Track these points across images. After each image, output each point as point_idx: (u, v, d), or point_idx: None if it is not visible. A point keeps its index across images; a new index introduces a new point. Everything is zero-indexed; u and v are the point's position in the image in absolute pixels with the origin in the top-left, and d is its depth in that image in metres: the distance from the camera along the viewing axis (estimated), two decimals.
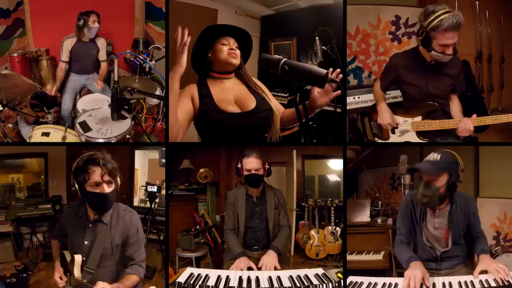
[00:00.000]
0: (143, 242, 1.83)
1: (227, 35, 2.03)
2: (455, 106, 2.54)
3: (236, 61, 2.00)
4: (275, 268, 1.97)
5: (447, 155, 1.88)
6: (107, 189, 1.68)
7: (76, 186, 1.70)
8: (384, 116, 2.60)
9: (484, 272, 1.72)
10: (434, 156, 1.87)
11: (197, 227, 3.33)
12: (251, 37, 2.12)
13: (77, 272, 1.67)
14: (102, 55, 3.84)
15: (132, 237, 1.77)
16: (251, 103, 1.99)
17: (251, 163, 2.25)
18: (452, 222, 1.88)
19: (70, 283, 1.70)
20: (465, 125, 2.35)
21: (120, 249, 1.76)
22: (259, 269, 1.99)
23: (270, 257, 2.05)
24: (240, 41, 2.06)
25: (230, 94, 2.01)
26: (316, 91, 1.84)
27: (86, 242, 1.73)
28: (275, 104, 2.11)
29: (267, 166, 2.30)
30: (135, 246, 1.78)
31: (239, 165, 2.31)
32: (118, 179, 1.75)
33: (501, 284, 1.63)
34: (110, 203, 1.73)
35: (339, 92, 1.78)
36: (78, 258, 1.68)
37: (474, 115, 2.36)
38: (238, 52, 2.01)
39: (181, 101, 1.91)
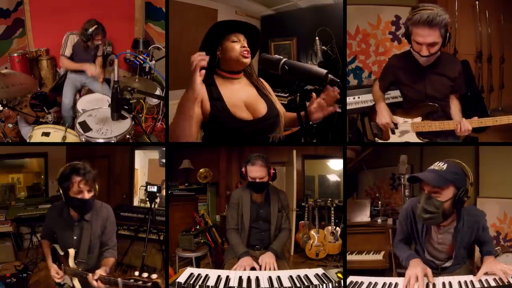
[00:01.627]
0: (115, 230, 2.16)
1: (236, 31, 1.91)
2: (454, 106, 2.51)
3: (249, 60, 1.91)
4: (274, 269, 1.99)
5: (455, 165, 1.69)
6: (87, 195, 1.95)
7: (61, 191, 1.97)
8: (383, 115, 2.59)
9: (490, 274, 1.67)
10: (440, 165, 1.66)
11: (197, 227, 3.33)
12: (260, 33, 2.03)
13: (71, 263, 1.95)
14: (99, 52, 3.85)
15: (108, 227, 2.08)
16: (262, 109, 1.93)
17: (256, 172, 2.21)
18: (457, 239, 1.75)
19: (65, 273, 1.97)
20: (464, 126, 2.32)
21: (100, 238, 2.07)
22: (260, 267, 2.02)
23: (268, 256, 2.10)
24: (248, 37, 1.95)
25: (240, 97, 1.92)
26: (313, 106, 1.87)
27: (75, 237, 2.01)
28: (279, 105, 2.07)
29: (272, 172, 2.27)
30: (110, 234, 2.10)
31: (243, 170, 2.28)
32: (97, 186, 2.00)
33: (504, 283, 1.62)
34: (90, 207, 2.00)
35: (334, 108, 1.85)
36: (71, 251, 1.96)
37: (475, 118, 2.33)
38: (248, 50, 1.91)
39: (191, 110, 1.75)
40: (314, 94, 1.89)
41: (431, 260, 1.87)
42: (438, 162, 1.69)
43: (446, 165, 1.66)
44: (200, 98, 1.84)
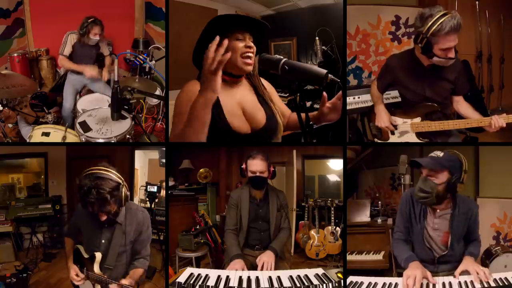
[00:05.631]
0: (150, 238, 1.97)
1: (242, 28, 1.72)
2: (465, 107, 2.49)
3: (251, 67, 1.75)
4: (271, 269, 1.99)
5: (450, 154, 1.83)
6: (103, 217, 1.77)
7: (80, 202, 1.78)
8: (382, 118, 2.58)
9: (466, 272, 1.73)
10: (437, 153, 1.82)
11: (197, 227, 3.33)
12: (269, 29, 1.81)
13: (96, 269, 1.79)
14: (105, 51, 3.83)
15: (143, 234, 1.90)
16: (261, 119, 1.83)
17: (256, 165, 2.20)
18: (452, 225, 1.83)
19: (88, 277, 1.82)
20: (497, 122, 2.28)
21: (132, 244, 1.89)
22: (257, 267, 2.01)
23: (267, 255, 2.08)
24: (254, 35, 1.76)
25: (239, 104, 1.80)
26: (326, 106, 1.79)
27: (103, 241, 1.84)
28: (282, 109, 2.00)
29: (272, 169, 2.26)
30: (145, 242, 1.92)
31: (244, 166, 2.26)
32: (123, 193, 1.77)
33: (505, 284, 1.64)
34: (107, 223, 1.82)
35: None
36: (98, 255, 1.80)
37: (504, 114, 2.29)
38: (254, 51, 1.72)
39: (207, 115, 1.51)
40: (325, 94, 1.77)
41: (429, 248, 1.88)
42: (436, 151, 1.83)
43: (443, 153, 1.81)
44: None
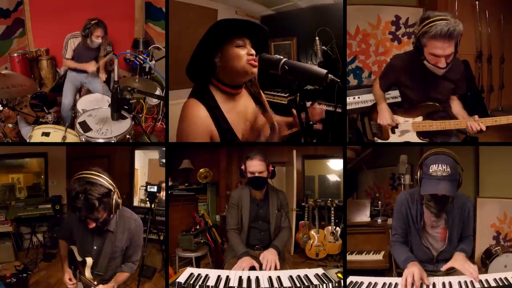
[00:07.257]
0: (142, 245, 2.01)
1: (242, 33, 1.67)
2: (456, 105, 2.51)
3: (257, 70, 1.68)
4: (276, 266, 1.98)
5: (450, 160, 1.72)
6: (91, 225, 1.70)
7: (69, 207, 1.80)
8: (384, 116, 2.58)
9: (453, 269, 1.76)
10: (442, 168, 1.69)
11: (197, 227, 3.33)
12: (268, 34, 1.78)
13: (87, 273, 1.81)
14: (101, 53, 3.84)
15: (135, 242, 1.91)
16: (267, 131, 1.83)
17: (255, 166, 2.20)
18: (449, 221, 1.84)
19: (80, 280, 1.84)
20: (474, 127, 2.27)
21: (123, 252, 1.91)
22: (261, 266, 2.01)
23: (271, 252, 2.08)
24: (253, 41, 1.72)
25: (244, 117, 1.77)
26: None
27: (95, 247, 1.84)
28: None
29: (271, 168, 2.26)
30: (136, 248, 1.94)
31: (243, 167, 2.27)
32: (115, 199, 1.71)
33: (505, 284, 1.64)
34: (96, 232, 1.79)
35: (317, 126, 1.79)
36: (89, 261, 1.81)
37: (488, 117, 2.29)
38: (256, 58, 1.67)
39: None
40: (293, 110, 1.73)
41: (427, 248, 1.88)
42: (438, 166, 1.71)
43: (447, 166, 1.69)
44: (210, 134, 1.67)
